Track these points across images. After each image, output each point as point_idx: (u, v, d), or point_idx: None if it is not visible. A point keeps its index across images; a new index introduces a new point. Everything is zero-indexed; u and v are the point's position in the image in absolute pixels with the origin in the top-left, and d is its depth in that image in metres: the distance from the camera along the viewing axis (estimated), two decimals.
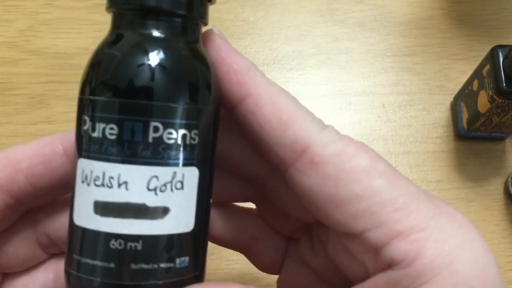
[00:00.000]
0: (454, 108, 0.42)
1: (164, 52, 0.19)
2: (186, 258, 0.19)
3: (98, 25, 0.45)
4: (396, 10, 0.47)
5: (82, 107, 0.19)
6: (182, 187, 0.18)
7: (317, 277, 0.24)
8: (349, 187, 0.18)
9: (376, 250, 0.18)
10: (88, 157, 0.18)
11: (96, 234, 0.18)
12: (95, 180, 0.18)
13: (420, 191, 0.19)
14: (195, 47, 0.20)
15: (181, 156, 0.18)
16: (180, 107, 0.18)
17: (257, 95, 0.20)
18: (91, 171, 0.18)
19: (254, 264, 0.27)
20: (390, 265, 0.18)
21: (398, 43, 0.45)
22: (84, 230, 0.18)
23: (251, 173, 0.23)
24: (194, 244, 0.19)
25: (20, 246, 0.22)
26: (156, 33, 0.19)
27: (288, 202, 0.23)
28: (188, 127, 0.18)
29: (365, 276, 0.20)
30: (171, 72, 0.18)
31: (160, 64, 0.18)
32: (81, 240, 0.19)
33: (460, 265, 0.17)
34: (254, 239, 0.25)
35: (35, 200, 0.22)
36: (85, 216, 0.18)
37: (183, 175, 0.18)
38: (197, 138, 0.19)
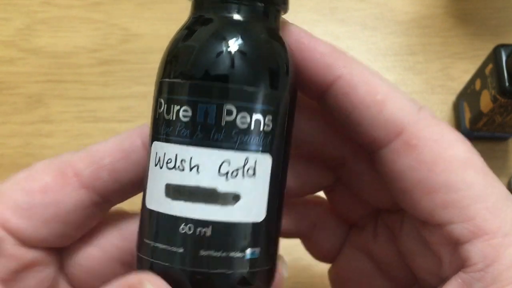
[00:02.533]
0: (457, 107, 0.42)
1: (243, 36, 0.19)
2: (257, 249, 0.19)
3: (96, 23, 0.44)
4: (397, 8, 0.46)
5: (159, 90, 0.19)
6: (254, 174, 0.18)
7: (377, 267, 0.23)
8: (443, 175, 0.18)
9: (456, 244, 0.18)
10: (162, 140, 0.19)
11: (166, 217, 0.18)
12: (167, 162, 0.18)
13: (509, 195, 0.18)
14: (275, 33, 0.20)
15: (254, 142, 0.18)
16: (255, 91, 0.18)
17: (349, 76, 0.19)
18: (164, 154, 0.18)
19: (310, 252, 0.26)
20: (465, 264, 0.18)
21: (399, 42, 0.45)
22: (155, 214, 0.18)
23: (331, 156, 0.23)
24: (265, 235, 0.19)
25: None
26: (236, 17, 0.19)
27: (365, 186, 0.23)
28: (262, 112, 0.18)
29: (436, 270, 0.19)
30: (247, 56, 0.18)
31: (237, 48, 0.18)
32: (152, 224, 0.19)
33: None
34: (314, 226, 0.25)
35: (119, 196, 0.22)
36: (156, 200, 0.18)
37: (255, 162, 0.18)
38: (271, 125, 0.18)
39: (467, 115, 0.40)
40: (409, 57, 0.44)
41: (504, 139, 0.41)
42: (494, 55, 0.36)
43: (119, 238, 0.22)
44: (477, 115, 0.39)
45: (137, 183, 0.21)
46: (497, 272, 0.17)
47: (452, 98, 0.43)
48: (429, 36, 0.45)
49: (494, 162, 0.41)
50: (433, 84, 0.44)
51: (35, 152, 0.40)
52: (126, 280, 0.18)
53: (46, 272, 0.21)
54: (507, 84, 0.35)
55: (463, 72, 0.44)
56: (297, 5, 0.46)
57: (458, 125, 0.42)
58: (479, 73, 0.38)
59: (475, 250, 0.17)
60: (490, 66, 0.36)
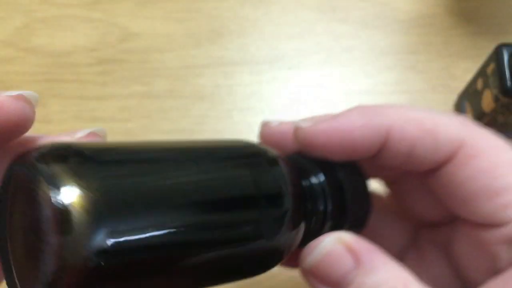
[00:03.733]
0: (458, 107, 0.42)
1: None
2: None
3: (95, 22, 0.44)
4: (398, 7, 0.46)
5: None
6: None
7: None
8: (503, 178, 0.19)
9: None
10: None
11: None
12: None
13: None
14: None
15: None
16: None
17: (393, 126, 0.20)
18: None
19: None
20: None
21: (400, 40, 0.45)
22: None
23: (381, 174, 0.23)
24: None
25: None
26: None
27: (415, 204, 0.23)
28: None
29: (489, 271, 0.20)
30: None
31: None
32: None
33: None
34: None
35: None
36: None
37: None
38: None
39: (469, 115, 0.40)
40: (410, 56, 0.44)
41: (506, 139, 0.41)
42: (496, 55, 0.36)
43: None
44: (479, 115, 0.38)
45: None
46: None
47: (453, 97, 0.43)
48: (430, 35, 0.45)
49: None
50: (435, 83, 0.43)
51: None
52: None
53: None
54: (509, 83, 0.35)
55: (464, 71, 0.43)
56: (298, 4, 0.46)
57: None
58: (481, 73, 0.38)
59: None
60: (492, 65, 0.36)
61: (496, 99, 0.36)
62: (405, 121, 0.20)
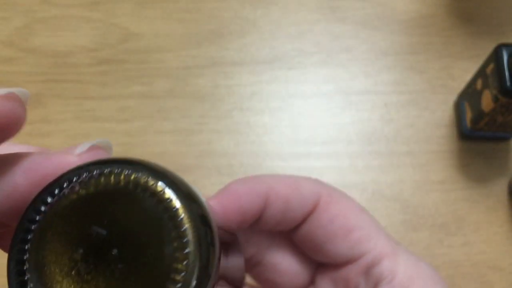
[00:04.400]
0: (458, 107, 0.42)
1: None
2: None
3: (95, 23, 0.44)
4: (398, 7, 0.46)
5: None
6: None
7: None
8: (353, 218, 0.24)
9: (370, 268, 0.23)
10: None
11: None
12: None
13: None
14: None
15: None
16: None
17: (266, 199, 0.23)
18: None
19: None
20: (378, 281, 0.23)
21: (400, 41, 0.45)
22: None
23: (248, 255, 0.26)
24: None
25: None
26: None
27: (282, 274, 0.26)
28: None
29: None
30: None
31: None
32: None
33: (423, 280, 0.23)
34: None
35: None
36: None
37: None
38: None
39: (468, 115, 0.40)
40: (410, 56, 0.44)
41: (505, 139, 0.41)
42: (496, 55, 0.36)
43: None
44: (478, 115, 0.38)
45: None
46: (399, 281, 0.23)
47: (453, 97, 0.43)
48: (430, 35, 0.45)
49: (494, 162, 0.41)
50: (434, 83, 0.43)
51: None
52: None
53: None
54: (508, 83, 0.35)
55: (464, 71, 0.43)
56: (297, 4, 0.46)
57: (459, 124, 0.41)
58: (480, 73, 0.38)
59: (385, 268, 0.23)
60: (492, 65, 0.36)
61: (495, 99, 0.36)
62: (277, 183, 0.24)
